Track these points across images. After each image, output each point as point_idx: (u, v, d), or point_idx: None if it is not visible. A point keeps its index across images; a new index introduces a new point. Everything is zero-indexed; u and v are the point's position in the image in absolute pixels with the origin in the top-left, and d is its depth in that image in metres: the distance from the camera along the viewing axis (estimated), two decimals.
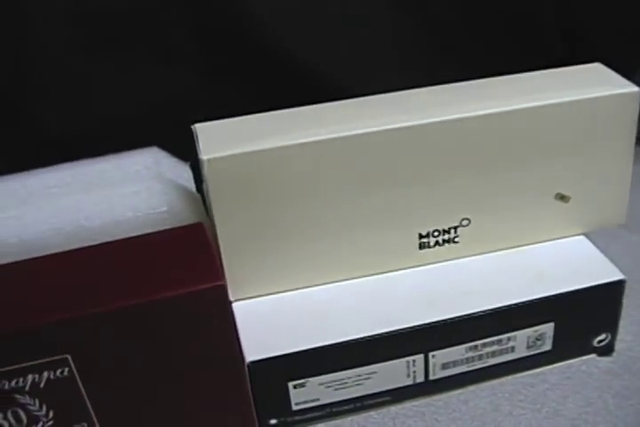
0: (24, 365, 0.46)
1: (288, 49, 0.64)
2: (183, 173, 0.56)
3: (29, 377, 0.46)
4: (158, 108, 0.65)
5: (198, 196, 0.54)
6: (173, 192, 0.52)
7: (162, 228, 0.50)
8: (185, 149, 0.57)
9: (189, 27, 0.63)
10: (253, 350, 0.49)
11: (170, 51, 0.63)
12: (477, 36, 0.69)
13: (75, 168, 0.55)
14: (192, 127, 0.51)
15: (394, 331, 0.50)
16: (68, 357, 0.46)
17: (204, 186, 0.52)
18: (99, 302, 0.45)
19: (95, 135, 0.63)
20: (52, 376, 0.47)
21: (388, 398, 0.53)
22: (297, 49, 0.64)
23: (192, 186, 0.55)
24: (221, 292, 0.46)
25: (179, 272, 0.47)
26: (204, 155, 0.48)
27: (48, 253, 0.49)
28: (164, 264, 0.48)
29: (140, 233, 0.50)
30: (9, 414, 0.48)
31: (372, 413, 0.53)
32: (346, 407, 0.52)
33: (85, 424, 0.49)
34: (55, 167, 0.55)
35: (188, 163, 0.57)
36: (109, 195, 0.52)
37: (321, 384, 0.51)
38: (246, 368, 0.49)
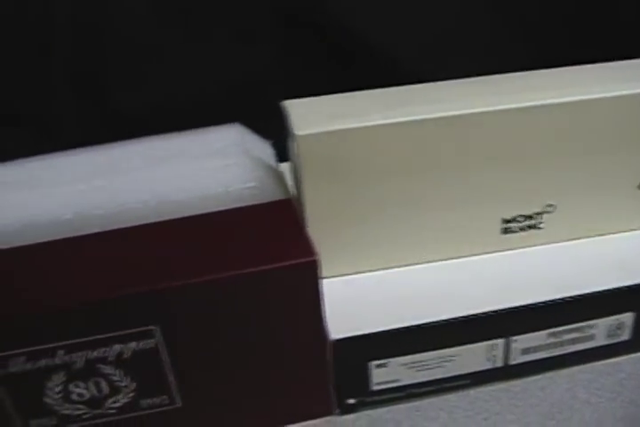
0: (110, 335, 0.46)
1: (366, 31, 0.63)
2: (266, 151, 0.55)
3: (115, 347, 0.46)
4: (236, 86, 0.64)
5: (282, 173, 0.54)
6: (261, 168, 0.52)
7: (250, 203, 0.50)
8: (262, 128, 0.57)
9: (270, 5, 0.62)
10: (337, 329, 0.49)
11: (250, 29, 0.62)
12: (561, 23, 0.68)
13: (157, 142, 0.54)
14: (282, 104, 0.51)
15: (476, 314, 0.50)
16: (156, 328, 0.46)
17: (293, 162, 0.52)
18: (189, 273, 0.45)
19: (172, 113, 0.62)
20: (137, 347, 0.46)
21: (466, 382, 0.52)
22: (374, 31, 0.63)
23: (274, 164, 0.55)
24: (314, 267, 0.45)
25: (271, 246, 0.46)
26: (298, 131, 0.48)
27: (132, 225, 0.49)
28: (255, 238, 0.47)
29: (228, 208, 0.50)
30: (91, 384, 0.47)
31: (450, 396, 0.53)
32: (424, 389, 0.52)
33: (166, 397, 0.49)
34: (137, 140, 0.54)
35: (270, 141, 0.56)
36: (195, 169, 0.51)
37: (402, 365, 0.50)
38: (329, 346, 0.48)
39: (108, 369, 0.47)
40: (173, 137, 0.55)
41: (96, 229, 0.49)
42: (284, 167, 0.55)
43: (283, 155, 0.56)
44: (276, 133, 0.53)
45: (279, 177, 0.53)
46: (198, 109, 0.61)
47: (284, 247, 0.46)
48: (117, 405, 0.49)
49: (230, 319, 0.46)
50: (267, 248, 0.46)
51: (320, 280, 0.46)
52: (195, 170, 0.52)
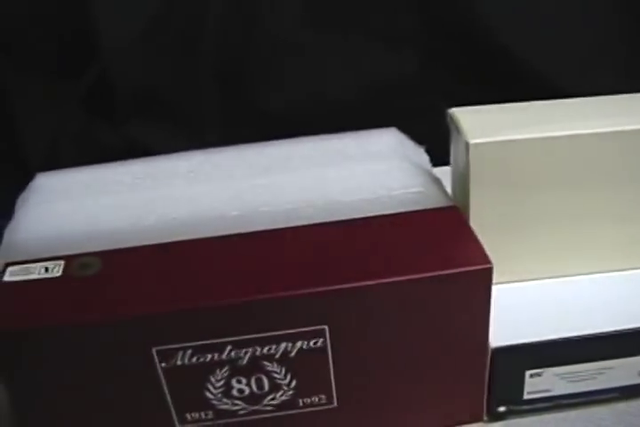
0: (280, 332, 0.46)
1: (506, 44, 0.63)
2: (422, 156, 0.55)
3: (282, 345, 0.46)
4: (379, 90, 0.64)
5: (439, 179, 0.54)
6: (423, 174, 0.52)
7: (414, 208, 0.50)
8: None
9: (416, 13, 0.62)
10: (498, 336, 0.49)
11: (400, 36, 0.63)
12: None
13: (313, 143, 0.55)
14: (448, 112, 0.51)
15: (634, 329, 0.50)
16: (326, 328, 0.46)
17: (456, 169, 0.52)
18: (364, 275, 0.45)
19: (316, 114, 0.62)
20: (304, 346, 0.46)
21: (616, 395, 0.52)
22: (514, 44, 0.64)
23: (431, 170, 0.55)
24: (488, 274, 0.45)
25: (445, 252, 0.47)
26: (471, 139, 0.48)
27: (296, 224, 0.49)
28: (427, 243, 0.47)
29: (393, 212, 0.50)
30: (252, 381, 0.48)
31: (599, 408, 0.52)
32: (574, 401, 0.52)
33: (324, 397, 0.49)
34: (293, 140, 0.55)
35: (424, 146, 0.56)
36: (357, 171, 0.52)
37: (556, 375, 0.50)
38: (489, 354, 0.49)
39: (271, 366, 0.47)
40: (329, 138, 0.55)
41: (262, 227, 0.49)
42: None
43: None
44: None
45: (439, 183, 0.53)
46: (341, 112, 0.61)
47: (458, 253, 0.47)
48: (275, 402, 0.49)
49: (397, 322, 0.46)
50: (441, 254, 0.47)
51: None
52: (355, 172, 0.52)
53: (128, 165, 0.56)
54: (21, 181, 0.56)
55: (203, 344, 0.46)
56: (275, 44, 0.62)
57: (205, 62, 0.61)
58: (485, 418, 0.52)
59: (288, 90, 0.63)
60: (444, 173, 0.55)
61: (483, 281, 0.46)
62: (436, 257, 0.46)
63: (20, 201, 0.56)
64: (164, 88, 0.61)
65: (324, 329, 0.46)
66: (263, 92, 0.63)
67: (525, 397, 0.51)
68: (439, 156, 0.57)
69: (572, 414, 0.52)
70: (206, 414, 0.49)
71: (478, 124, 0.50)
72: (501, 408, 0.51)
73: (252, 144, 0.55)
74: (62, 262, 0.49)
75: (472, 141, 0.48)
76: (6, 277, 0.48)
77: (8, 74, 0.60)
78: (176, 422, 0.49)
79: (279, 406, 0.49)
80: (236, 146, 0.55)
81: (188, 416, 0.49)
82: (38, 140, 0.62)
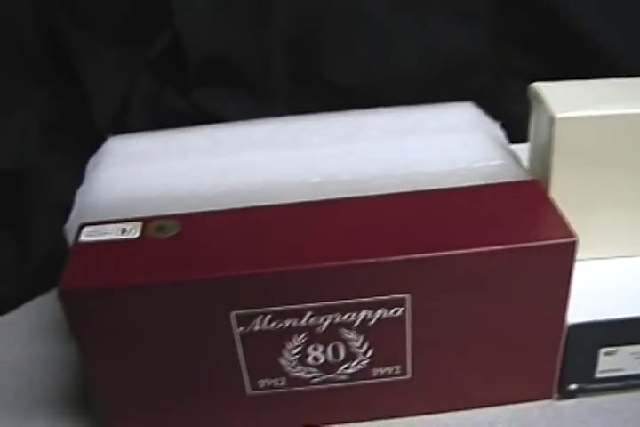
0: (362, 300, 0.46)
1: (578, 22, 0.63)
2: (497, 131, 0.55)
3: (362, 313, 0.46)
4: (449, 65, 0.64)
5: (517, 154, 0.53)
6: (501, 147, 0.52)
7: (494, 181, 0.50)
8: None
9: None
10: (575, 313, 0.48)
11: (469, 10, 0.62)
12: None
13: (390, 114, 0.54)
14: (531, 86, 0.51)
15: None
16: (407, 297, 0.46)
17: (536, 145, 0.52)
18: (448, 244, 0.45)
19: (385, 88, 0.62)
20: (384, 315, 0.46)
21: None
22: (589, 22, 0.63)
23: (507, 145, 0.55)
24: (572, 249, 0.45)
25: (530, 225, 0.46)
26: (557, 113, 0.48)
27: (376, 193, 0.49)
28: (512, 216, 0.47)
29: (473, 184, 0.50)
30: (329, 348, 0.48)
31: None
32: None
33: (398, 367, 0.49)
34: (369, 111, 0.55)
35: (499, 122, 0.56)
36: (435, 143, 0.51)
37: (631, 354, 0.50)
38: (565, 330, 0.48)
39: (349, 335, 0.47)
40: (405, 110, 0.55)
41: (342, 195, 0.49)
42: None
43: None
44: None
45: (518, 158, 0.52)
46: (411, 87, 0.61)
47: (542, 226, 0.46)
48: (349, 371, 0.49)
49: (477, 294, 0.46)
50: (525, 226, 0.46)
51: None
52: (435, 144, 0.52)
53: (201, 130, 0.56)
54: (92, 146, 0.56)
55: (282, 310, 0.45)
56: (347, 16, 0.61)
57: (277, 32, 0.60)
58: (555, 395, 0.52)
59: (358, 63, 0.63)
60: (516, 150, 0.54)
61: (566, 255, 0.45)
62: (519, 229, 0.46)
63: (90, 165, 0.55)
64: (234, 57, 0.61)
65: (404, 298, 0.46)
66: (334, 64, 0.63)
67: (598, 375, 0.51)
68: (510, 133, 0.56)
69: None
70: (279, 382, 0.49)
71: (562, 98, 0.49)
72: (572, 386, 0.51)
73: (327, 113, 0.55)
74: (140, 224, 0.48)
75: (558, 116, 0.48)
76: (82, 237, 0.48)
77: (81, 38, 0.60)
78: (248, 388, 0.49)
79: (353, 376, 0.49)
80: (311, 115, 0.55)
81: (261, 383, 0.49)
82: (109, 105, 0.61)
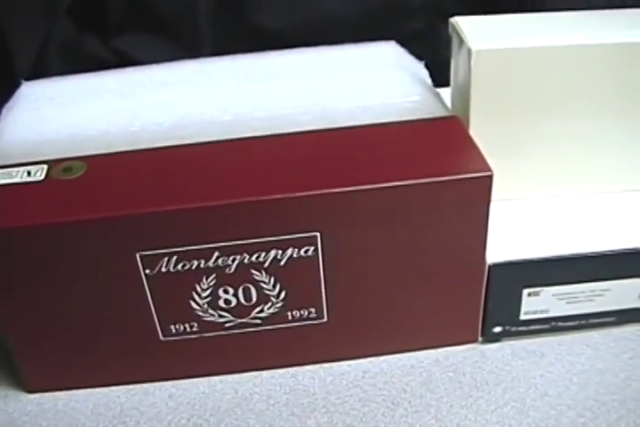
0: (270, 238, 0.44)
1: None
2: (421, 70, 0.53)
3: (272, 253, 0.45)
4: (377, 10, 0.62)
5: (439, 92, 0.52)
6: (421, 84, 0.50)
7: (411, 117, 0.48)
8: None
9: None
10: (495, 252, 0.47)
11: None
12: None
13: (312, 53, 0.53)
14: (450, 20, 0.49)
15: (635, 249, 0.48)
16: (318, 235, 0.44)
17: (457, 82, 0.50)
18: (359, 179, 0.43)
19: (312, 32, 0.60)
20: (295, 254, 0.45)
21: (612, 319, 0.51)
22: None
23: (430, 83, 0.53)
24: (488, 183, 0.44)
25: (445, 159, 0.45)
26: (474, 46, 0.46)
27: (293, 130, 0.48)
28: (427, 151, 0.45)
29: (389, 120, 0.48)
30: (240, 291, 0.46)
31: (594, 333, 0.51)
32: (570, 324, 0.50)
33: (313, 310, 0.48)
34: (290, 51, 0.53)
35: (423, 61, 0.54)
36: (355, 81, 0.50)
37: (554, 295, 0.49)
38: (486, 270, 0.47)
39: (260, 276, 0.45)
40: (327, 50, 0.53)
41: (255, 133, 0.47)
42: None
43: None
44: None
45: (439, 96, 0.51)
46: (338, 31, 0.59)
47: (458, 161, 0.45)
48: (262, 315, 0.47)
49: (392, 231, 0.45)
50: (440, 160, 0.45)
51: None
52: (353, 81, 0.50)
53: (116, 73, 0.54)
54: (8, 92, 0.54)
55: (189, 250, 0.44)
56: None
57: None
58: (480, 339, 0.51)
59: (286, 5, 0.61)
60: (444, 94, 0.53)
61: (482, 190, 0.44)
62: (435, 163, 0.44)
63: (5, 110, 0.54)
64: (157, 1, 0.59)
65: (315, 236, 0.44)
66: (260, 7, 0.61)
67: (522, 317, 0.49)
68: (436, 78, 0.55)
69: (568, 338, 0.51)
70: (191, 327, 0.47)
71: (482, 32, 0.48)
72: (497, 329, 0.50)
73: (247, 54, 0.53)
74: (45, 166, 0.47)
75: (475, 48, 0.46)
76: None
77: None
78: (160, 334, 0.47)
79: (266, 320, 0.47)
80: (230, 56, 0.53)
81: (172, 328, 0.47)
82: (27, 51, 0.59)
